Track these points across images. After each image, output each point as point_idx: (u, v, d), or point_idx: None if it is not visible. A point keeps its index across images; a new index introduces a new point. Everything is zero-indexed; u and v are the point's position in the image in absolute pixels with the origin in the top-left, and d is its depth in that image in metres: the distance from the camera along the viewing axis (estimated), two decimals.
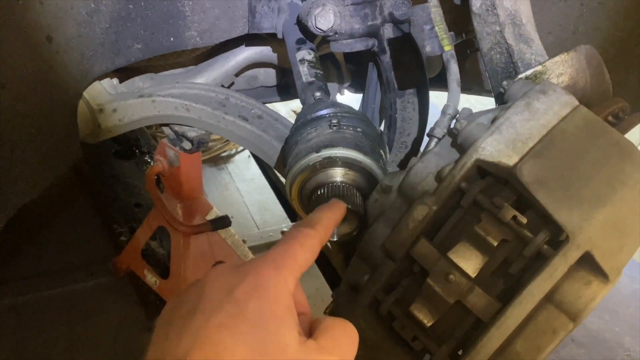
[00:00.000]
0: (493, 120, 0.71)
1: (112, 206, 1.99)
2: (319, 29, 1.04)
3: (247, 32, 1.25)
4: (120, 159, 2.21)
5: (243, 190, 2.51)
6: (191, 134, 1.36)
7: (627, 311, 2.06)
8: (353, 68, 1.69)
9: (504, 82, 0.75)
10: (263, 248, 2.20)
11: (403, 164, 1.22)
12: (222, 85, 1.54)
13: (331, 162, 0.84)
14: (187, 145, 1.37)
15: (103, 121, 1.21)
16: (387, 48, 1.14)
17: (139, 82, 1.41)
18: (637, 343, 1.94)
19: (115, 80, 1.30)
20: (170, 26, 1.17)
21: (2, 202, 0.97)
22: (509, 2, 0.86)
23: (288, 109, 2.87)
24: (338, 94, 1.77)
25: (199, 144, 1.35)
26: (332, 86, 1.73)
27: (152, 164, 2.17)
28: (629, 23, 1.31)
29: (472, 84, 1.61)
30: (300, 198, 0.89)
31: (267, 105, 1.46)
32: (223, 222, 1.42)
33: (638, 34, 1.30)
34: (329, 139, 0.86)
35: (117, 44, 1.13)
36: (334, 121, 0.88)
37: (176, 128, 1.39)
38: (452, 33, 0.93)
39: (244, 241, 2.08)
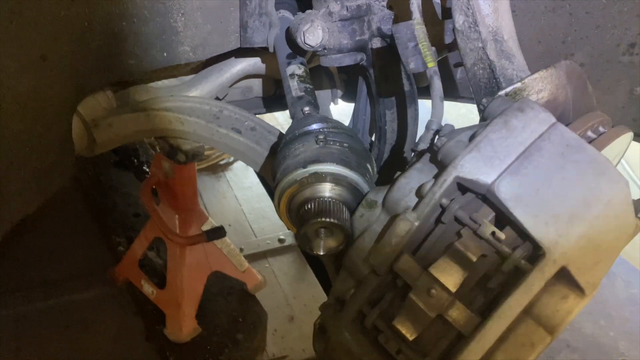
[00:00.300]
0: (471, 138, 0.72)
1: (110, 216, 2.02)
2: (308, 44, 1.06)
3: (239, 46, 1.27)
4: (119, 170, 2.23)
5: (241, 198, 2.53)
6: (186, 146, 1.38)
7: (622, 315, 2.07)
8: (346, 78, 1.71)
9: (484, 100, 0.77)
10: (260, 256, 2.22)
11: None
12: (217, 97, 1.56)
13: (318, 177, 0.86)
14: (181, 157, 1.39)
15: (98, 136, 1.23)
16: (375, 62, 1.16)
17: (133, 94, 1.44)
18: (632, 347, 1.95)
19: (109, 93, 1.32)
20: (163, 42, 1.19)
21: None
22: (491, 19, 0.87)
23: (286, 117, 2.89)
24: (332, 104, 1.79)
25: (194, 156, 1.37)
26: (325, 96, 1.75)
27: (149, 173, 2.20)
28: (616, 32, 1.32)
29: (466, 92, 1.63)
30: (288, 212, 0.91)
31: (263, 115, 1.48)
32: (218, 232, 1.44)
33: (626, 43, 1.31)
34: (315, 155, 0.88)
35: (110, 60, 1.15)
36: (321, 137, 0.90)
37: (171, 141, 1.41)
38: (434, 49, 0.95)
39: (241, 249, 2.10)
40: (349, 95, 1.78)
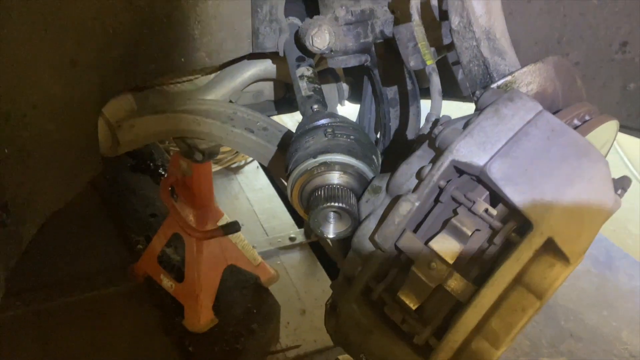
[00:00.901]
0: (465, 125, 0.80)
1: (129, 217, 2.10)
2: (316, 47, 1.15)
3: (251, 51, 1.36)
4: (135, 173, 2.32)
5: (252, 199, 2.62)
6: (202, 146, 1.47)
7: (625, 306, 2.12)
8: (352, 80, 1.79)
9: (477, 92, 0.85)
10: (272, 253, 2.30)
11: None
12: (230, 101, 1.65)
13: (327, 166, 0.94)
14: (198, 156, 1.47)
15: (121, 136, 1.32)
16: (378, 62, 1.24)
17: (152, 98, 1.53)
18: (635, 337, 2.00)
19: (131, 97, 1.41)
20: (181, 48, 1.28)
21: (32, 213, 1.08)
22: (484, 19, 0.95)
23: (294, 121, 2.98)
24: (338, 105, 1.87)
25: (210, 155, 1.45)
26: (332, 98, 1.83)
27: (166, 176, 2.29)
28: (609, 32, 1.39)
29: (467, 92, 1.70)
30: (300, 199, 0.99)
31: (273, 117, 1.56)
32: (233, 227, 1.52)
33: (618, 42, 1.38)
34: (324, 146, 0.96)
35: (133, 65, 1.24)
36: (329, 130, 0.98)
37: (188, 141, 1.49)
38: (433, 48, 1.03)
39: (253, 247, 2.18)
40: (355, 97, 1.86)
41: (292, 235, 2.37)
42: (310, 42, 1.15)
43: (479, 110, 0.84)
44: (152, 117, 1.35)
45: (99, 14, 1.12)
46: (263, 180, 2.80)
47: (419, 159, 0.85)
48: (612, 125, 0.93)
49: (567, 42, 1.44)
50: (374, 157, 1.01)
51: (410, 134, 1.32)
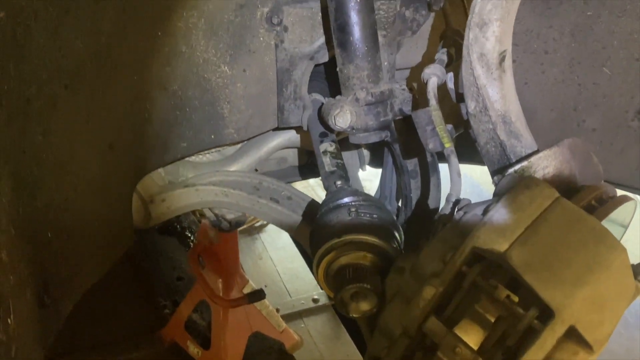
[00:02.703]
0: (485, 212, 0.83)
1: (156, 280, 2.15)
2: (338, 126, 1.21)
3: (277, 126, 1.43)
4: (162, 235, 2.39)
5: (275, 259, 2.65)
6: (229, 215, 1.52)
7: None
8: (372, 146, 1.85)
9: (495, 178, 0.88)
10: (296, 316, 2.30)
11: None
12: (256, 169, 1.71)
13: (352, 246, 0.98)
14: (225, 226, 1.52)
15: (153, 210, 1.38)
16: (398, 138, 1.29)
17: (182, 170, 1.60)
18: None
19: (162, 171, 1.48)
20: (212, 126, 1.36)
21: (70, 291, 1.13)
22: (499, 104, 1.00)
23: (318, 181, 3.05)
24: (360, 170, 1.93)
25: (236, 225, 1.50)
26: (354, 163, 1.89)
27: (192, 238, 2.35)
28: (623, 100, 1.43)
29: None
30: (325, 278, 1.02)
31: (297, 182, 1.61)
32: (258, 295, 1.55)
33: (633, 109, 1.42)
34: (349, 225, 1.00)
35: (165, 145, 1.32)
36: (353, 209, 1.02)
37: (216, 210, 1.55)
38: (451, 125, 1.08)
39: (277, 310, 2.20)
40: (376, 162, 1.91)
41: (315, 297, 2.39)
42: (333, 121, 1.21)
43: (497, 197, 0.87)
44: (182, 191, 1.41)
45: (136, 99, 1.21)
46: (285, 239, 2.83)
47: (441, 242, 0.88)
48: (631, 204, 0.96)
49: (583, 109, 1.48)
50: (396, 234, 1.05)
51: (432, 203, 1.35)
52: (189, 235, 2.37)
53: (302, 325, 2.25)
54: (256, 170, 1.73)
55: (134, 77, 1.19)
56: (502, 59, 1.01)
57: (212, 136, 1.38)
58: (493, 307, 0.78)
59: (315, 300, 2.38)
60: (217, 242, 1.56)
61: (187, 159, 1.64)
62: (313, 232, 1.08)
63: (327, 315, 2.30)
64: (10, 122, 0.84)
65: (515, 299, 0.77)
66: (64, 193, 1.05)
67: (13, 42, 0.81)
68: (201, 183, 1.45)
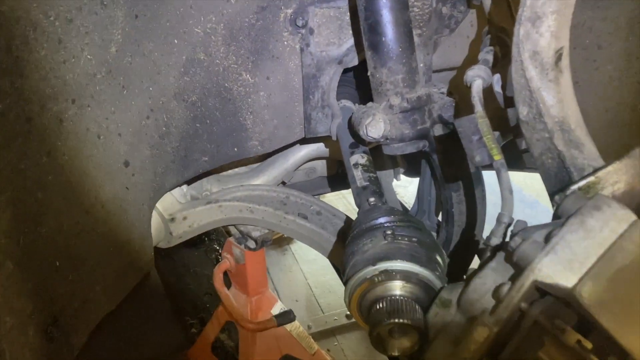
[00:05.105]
0: (547, 238, 0.71)
1: (182, 296, 2.08)
2: (371, 137, 1.09)
3: (304, 137, 1.32)
4: (190, 248, 2.32)
5: (306, 271, 2.55)
6: (255, 233, 1.42)
7: None
8: (408, 154, 1.73)
9: (556, 197, 0.76)
10: (329, 333, 2.19)
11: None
12: (283, 182, 1.61)
13: (388, 275, 0.86)
14: (251, 244, 1.43)
15: (175, 229, 1.29)
16: (438, 147, 1.17)
17: (206, 184, 1.51)
18: None
19: (184, 187, 1.40)
20: (234, 138, 1.26)
21: (83, 322, 1.05)
22: (556, 109, 0.87)
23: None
24: (394, 180, 1.81)
25: (263, 243, 1.40)
26: (388, 173, 1.77)
27: (220, 250, 2.26)
28: None
29: (531, 162, 1.60)
30: (359, 309, 0.91)
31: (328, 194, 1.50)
32: (287, 317, 1.45)
33: None
34: (384, 251, 0.89)
35: (186, 159, 1.23)
36: (389, 232, 0.91)
37: (241, 227, 1.46)
38: (497, 133, 0.95)
39: (309, 327, 2.09)
40: (412, 171, 1.79)
41: (349, 313, 2.27)
42: (365, 131, 1.10)
43: (560, 219, 0.74)
44: (204, 208, 1.32)
45: (152, 112, 1.12)
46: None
47: (494, 273, 0.76)
48: None
49: None
50: (439, 258, 0.93)
51: (477, 219, 1.23)
52: (217, 247, 2.29)
53: (336, 344, 2.14)
54: (284, 183, 1.63)
55: (150, 88, 1.10)
56: (558, 58, 0.88)
57: (235, 149, 1.29)
58: (560, 353, 0.66)
59: (348, 316, 2.26)
60: (243, 262, 1.46)
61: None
62: (345, 256, 0.97)
63: (362, 333, 2.18)
64: (7, 144, 0.76)
65: (588, 345, 0.64)
66: (74, 217, 0.97)
67: (7, 56, 0.73)
68: (225, 199, 1.36)
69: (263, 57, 1.20)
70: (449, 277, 1.09)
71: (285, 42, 1.20)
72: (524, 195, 3.53)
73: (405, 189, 3.38)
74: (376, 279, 0.87)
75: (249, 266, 1.46)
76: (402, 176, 1.84)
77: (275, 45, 1.19)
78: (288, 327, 1.56)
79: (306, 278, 2.50)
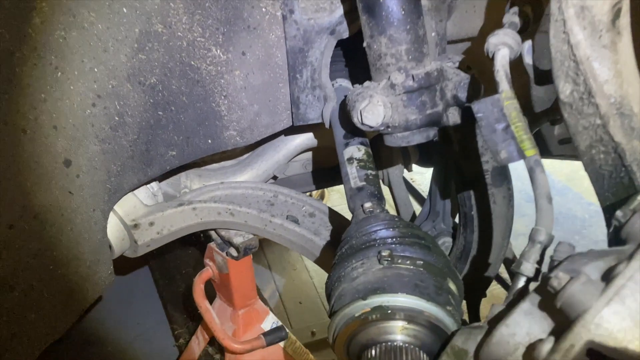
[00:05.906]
0: (606, 276, 0.48)
1: (173, 302, 1.89)
2: (366, 125, 0.87)
3: (291, 125, 1.11)
4: (184, 246, 2.13)
5: (311, 269, 2.34)
6: (237, 239, 1.22)
7: None
8: None
9: (619, 213, 0.53)
10: None
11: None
12: (274, 176, 1.40)
13: (384, 313, 0.65)
14: (233, 252, 1.23)
15: (140, 236, 1.10)
16: (454, 136, 0.94)
17: (185, 180, 1.31)
18: None
19: (155, 185, 1.19)
20: (207, 128, 1.05)
21: (22, 350, 0.87)
22: (612, 87, 0.63)
23: None
24: (405, 171, 1.58)
25: (246, 250, 1.20)
26: (397, 162, 1.55)
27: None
28: None
29: (560, 150, 1.36)
30: (347, 353, 0.70)
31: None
32: (278, 335, 1.25)
33: None
34: (379, 280, 0.67)
35: (148, 154, 1.03)
36: (385, 254, 0.69)
37: (222, 232, 1.26)
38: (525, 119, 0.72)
39: (312, 333, 1.90)
40: (425, 160, 1.55)
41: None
42: (359, 118, 0.87)
43: (624, 246, 0.52)
44: (175, 211, 1.12)
45: (99, 98, 0.91)
46: None
47: (527, 319, 0.54)
48: None
49: None
50: (452, 286, 0.71)
51: (502, 224, 1.00)
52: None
53: None
54: (275, 177, 1.42)
55: (94, 69, 0.89)
56: (616, 15, 0.64)
57: (209, 141, 1.08)
58: None
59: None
60: (226, 271, 1.26)
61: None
62: (330, 280, 0.76)
63: None
64: None
65: None
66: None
67: None
68: (200, 200, 1.16)
69: (236, 27, 0.98)
70: (466, 294, 0.87)
71: (264, 9, 0.98)
72: (552, 181, 3.26)
73: (423, 175, 3.13)
74: (368, 318, 0.65)
75: (232, 277, 1.26)
76: (415, 166, 1.61)
77: (251, 13, 0.97)
78: (282, 343, 1.37)
79: (311, 277, 2.29)
